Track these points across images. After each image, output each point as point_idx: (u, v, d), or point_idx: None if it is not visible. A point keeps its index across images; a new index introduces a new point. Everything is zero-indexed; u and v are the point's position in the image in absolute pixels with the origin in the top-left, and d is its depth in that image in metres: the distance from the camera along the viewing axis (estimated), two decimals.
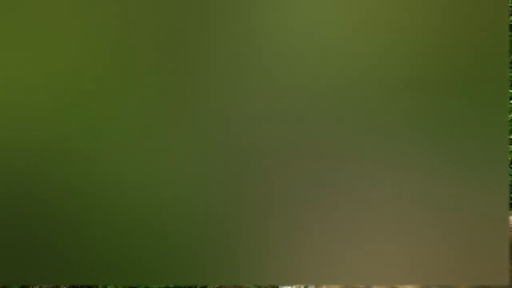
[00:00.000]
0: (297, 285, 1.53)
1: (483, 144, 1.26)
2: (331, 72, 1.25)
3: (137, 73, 1.24)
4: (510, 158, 2.02)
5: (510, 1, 2.42)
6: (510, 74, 2.06)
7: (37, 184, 1.23)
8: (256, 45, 1.24)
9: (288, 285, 1.51)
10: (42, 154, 1.23)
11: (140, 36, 1.23)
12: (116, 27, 1.23)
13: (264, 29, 1.24)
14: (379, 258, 1.26)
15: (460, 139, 1.26)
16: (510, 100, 2.16)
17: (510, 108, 2.17)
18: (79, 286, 1.65)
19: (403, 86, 1.26)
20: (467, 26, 1.25)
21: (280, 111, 1.25)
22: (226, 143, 1.25)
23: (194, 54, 1.24)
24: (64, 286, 1.62)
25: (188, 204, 1.25)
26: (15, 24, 1.22)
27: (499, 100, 1.26)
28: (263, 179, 1.25)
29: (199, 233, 1.25)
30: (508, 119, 1.39)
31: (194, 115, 1.25)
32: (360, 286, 1.53)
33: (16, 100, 1.22)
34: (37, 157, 1.23)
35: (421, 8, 1.25)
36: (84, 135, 1.23)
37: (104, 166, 1.23)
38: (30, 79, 1.22)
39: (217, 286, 1.63)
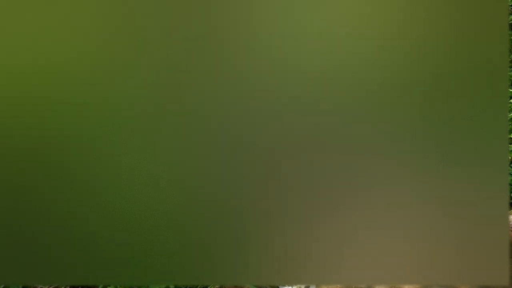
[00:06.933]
0: (297, 285, 1.53)
1: (483, 143, 1.26)
2: (333, 72, 1.25)
3: (138, 72, 1.24)
4: (510, 158, 2.01)
5: (510, 0, 2.41)
6: (510, 73, 2.06)
7: (37, 184, 1.23)
8: (258, 44, 1.24)
9: (288, 285, 1.51)
10: (42, 153, 1.23)
11: (141, 35, 1.23)
12: (117, 26, 1.23)
13: (265, 29, 1.24)
14: (379, 258, 1.26)
15: (460, 138, 1.26)
16: (510, 99, 2.16)
17: (510, 107, 2.17)
18: (79, 286, 1.65)
19: (402, 86, 1.26)
20: (467, 26, 1.25)
21: (281, 110, 1.25)
22: (226, 143, 1.25)
23: (195, 53, 1.24)
24: (64, 286, 1.61)
25: (188, 203, 1.25)
26: (15, 23, 1.22)
27: (499, 99, 1.26)
28: (263, 179, 1.25)
29: (199, 233, 1.25)
30: (508, 118, 1.39)
31: (195, 114, 1.25)
32: (361, 286, 1.53)
33: (15, 100, 1.22)
34: (37, 157, 1.23)
35: (421, 8, 1.25)
36: (85, 134, 1.23)
37: (104, 166, 1.23)
38: (29, 78, 1.22)
39: (217, 286, 1.63)
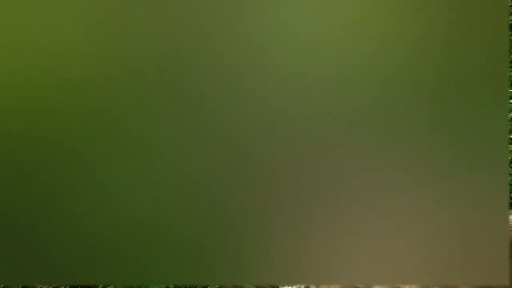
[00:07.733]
0: (297, 285, 1.53)
1: (483, 143, 1.26)
2: (333, 72, 1.25)
3: (137, 73, 1.24)
4: (510, 158, 2.01)
5: (510, 1, 2.42)
6: (510, 74, 2.06)
7: (37, 184, 1.23)
8: (258, 45, 1.24)
9: (288, 285, 1.51)
10: (42, 153, 1.23)
11: (139, 35, 1.23)
12: (116, 27, 1.23)
13: (265, 29, 1.24)
14: (379, 258, 1.26)
15: (460, 138, 1.26)
16: (510, 99, 2.16)
17: (510, 107, 2.17)
18: (79, 286, 1.65)
19: (402, 86, 1.26)
20: (467, 26, 1.25)
21: (281, 111, 1.25)
22: (226, 143, 1.25)
23: (196, 54, 1.24)
24: (64, 286, 1.62)
25: (188, 203, 1.25)
26: (15, 23, 1.22)
27: (499, 100, 1.26)
28: (263, 179, 1.25)
29: (199, 233, 1.25)
30: (508, 118, 1.39)
31: (196, 115, 1.25)
32: (360, 286, 1.53)
33: (15, 100, 1.22)
34: (37, 157, 1.23)
35: (421, 8, 1.25)
36: (84, 135, 1.23)
37: (104, 166, 1.23)
38: (28, 78, 1.22)
39: (217, 286, 1.63)
